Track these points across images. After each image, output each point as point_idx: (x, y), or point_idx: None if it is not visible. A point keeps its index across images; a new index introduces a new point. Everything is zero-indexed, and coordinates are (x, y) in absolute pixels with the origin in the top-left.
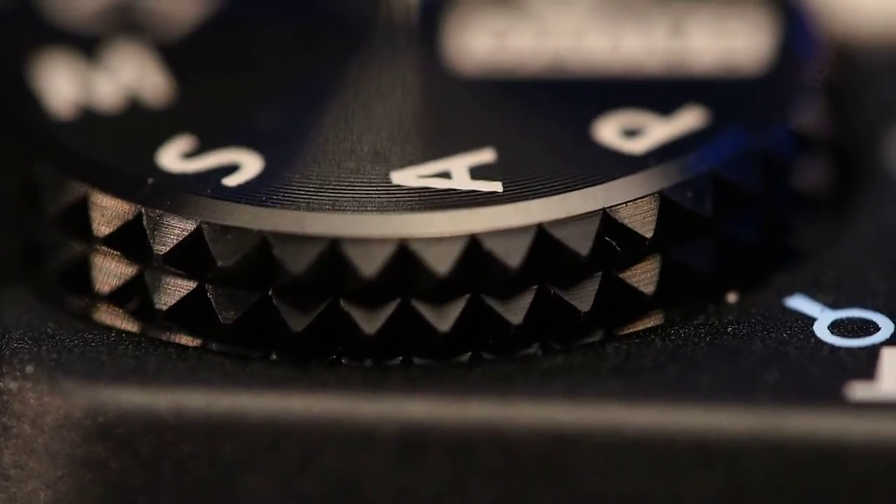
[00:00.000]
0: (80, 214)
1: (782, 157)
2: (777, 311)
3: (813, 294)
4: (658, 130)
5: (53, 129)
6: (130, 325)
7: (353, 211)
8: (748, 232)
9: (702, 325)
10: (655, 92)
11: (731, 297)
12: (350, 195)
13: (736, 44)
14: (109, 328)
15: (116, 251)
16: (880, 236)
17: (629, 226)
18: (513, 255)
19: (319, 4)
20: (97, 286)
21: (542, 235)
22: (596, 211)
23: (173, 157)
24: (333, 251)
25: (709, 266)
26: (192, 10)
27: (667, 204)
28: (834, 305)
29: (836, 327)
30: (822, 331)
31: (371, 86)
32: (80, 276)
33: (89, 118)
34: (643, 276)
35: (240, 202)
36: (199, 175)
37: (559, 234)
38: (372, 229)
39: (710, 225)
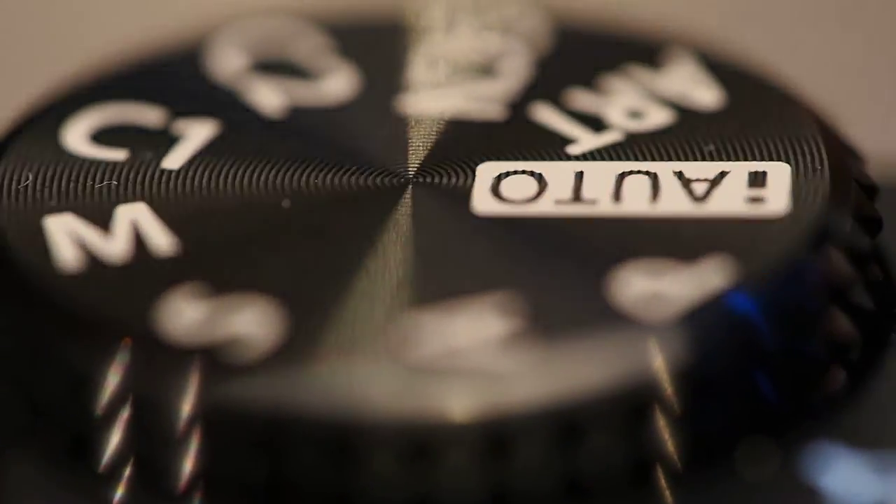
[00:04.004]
0: (76, 388)
1: (810, 310)
2: (803, 472)
3: (842, 453)
4: (678, 290)
5: (56, 292)
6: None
7: (362, 401)
8: (772, 390)
9: (719, 491)
10: (674, 241)
11: (755, 458)
12: (359, 381)
13: (762, 181)
14: None
15: (114, 428)
16: None
17: (653, 403)
18: (536, 450)
19: (329, 148)
20: (98, 461)
21: (566, 424)
22: (622, 394)
23: (178, 324)
24: (339, 447)
25: (732, 429)
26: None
27: (692, 377)
28: (864, 464)
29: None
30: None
31: (378, 250)
32: (82, 448)
33: (93, 280)
34: (667, 445)
35: (241, 388)
36: (200, 349)
37: (584, 422)
38: (383, 424)
39: (735, 388)
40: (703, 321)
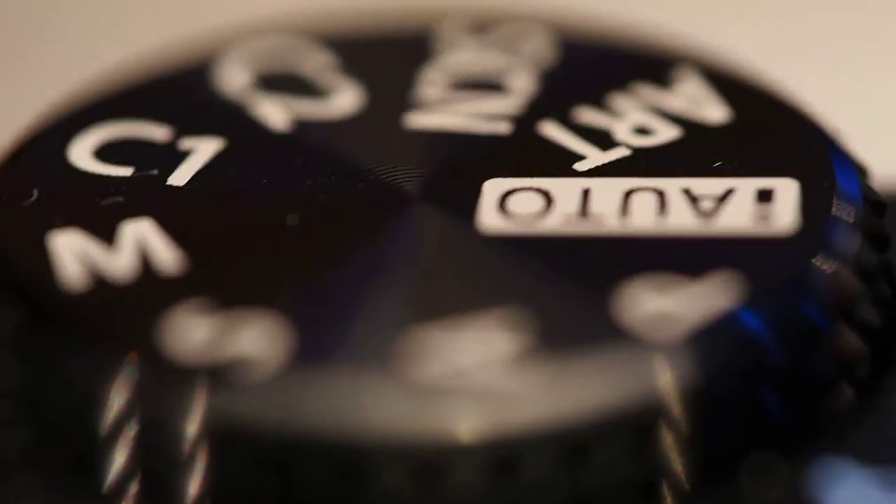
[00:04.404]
0: (82, 406)
1: (817, 328)
2: (811, 489)
3: (850, 470)
4: (685, 308)
5: (62, 310)
6: None
7: (368, 421)
8: (780, 408)
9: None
10: (681, 259)
11: (763, 476)
12: (365, 400)
13: (769, 198)
14: None
15: (119, 447)
16: None
17: (661, 422)
18: (543, 470)
19: (335, 165)
20: (102, 481)
21: (574, 444)
22: (630, 414)
23: (184, 343)
24: (346, 467)
25: (739, 447)
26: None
27: (699, 396)
28: (873, 480)
29: None
30: None
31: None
32: (87, 468)
33: (99, 298)
34: (675, 464)
35: (248, 407)
36: (206, 368)
37: (591, 442)
38: (389, 443)
39: (743, 406)
40: (711, 339)
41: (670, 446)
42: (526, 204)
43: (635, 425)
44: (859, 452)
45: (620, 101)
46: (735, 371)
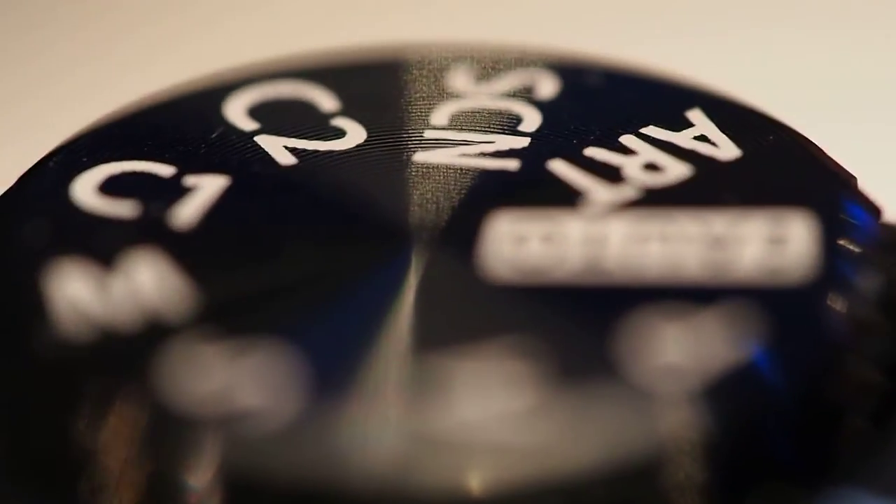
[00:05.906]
0: (85, 458)
1: (832, 365)
2: None
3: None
4: (696, 353)
5: (63, 358)
6: None
7: (375, 473)
8: (796, 447)
9: None
10: (692, 301)
11: None
12: (372, 452)
13: (781, 236)
14: None
15: (124, 499)
16: None
17: (674, 470)
18: None
19: (342, 206)
20: None
21: (584, 496)
22: (641, 464)
23: (189, 394)
24: None
25: (754, 490)
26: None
27: (712, 442)
28: None
29: None
30: None
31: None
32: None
33: (103, 345)
34: None
35: (255, 459)
36: (213, 420)
37: (600, 493)
38: (395, 496)
39: (757, 450)
40: (723, 387)
41: (682, 495)
42: (534, 245)
43: (646, 475)
44: (874, 484)
45: (630, 138)
46: (748, 417)
